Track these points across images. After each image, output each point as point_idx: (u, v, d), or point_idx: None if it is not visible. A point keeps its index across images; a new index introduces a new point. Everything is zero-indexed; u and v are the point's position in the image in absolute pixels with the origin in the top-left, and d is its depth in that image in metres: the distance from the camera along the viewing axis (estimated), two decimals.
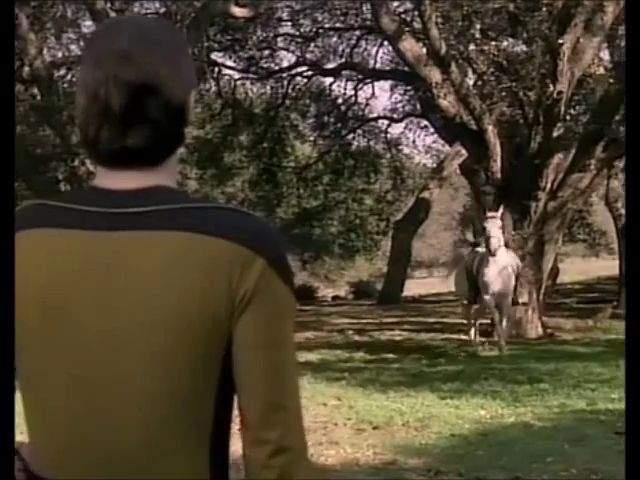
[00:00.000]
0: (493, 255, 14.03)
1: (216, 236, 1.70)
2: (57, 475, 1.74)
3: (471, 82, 18.09)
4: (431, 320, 20.25)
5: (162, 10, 21.49)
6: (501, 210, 14.61)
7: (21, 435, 1.85)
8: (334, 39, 26.66)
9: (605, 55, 19.67)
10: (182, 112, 1.79)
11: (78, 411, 1.72)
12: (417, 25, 20.02)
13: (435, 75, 15.87)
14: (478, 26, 16.02)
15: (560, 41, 14.48)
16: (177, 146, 1.81)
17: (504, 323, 14.62)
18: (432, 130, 28.01)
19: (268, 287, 1.71)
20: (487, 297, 14.36)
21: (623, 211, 22.95)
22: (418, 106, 27.61)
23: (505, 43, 17.47)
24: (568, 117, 16.59)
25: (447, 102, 16.05)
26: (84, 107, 1.76)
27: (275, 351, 1.72)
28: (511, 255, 14.71)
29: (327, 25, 25.98)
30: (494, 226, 14.08)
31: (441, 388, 10.90)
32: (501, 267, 14.21)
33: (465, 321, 16.07)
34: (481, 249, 14.78)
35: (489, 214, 14.28)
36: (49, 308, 1.71)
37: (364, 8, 23.97)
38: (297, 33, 26.18)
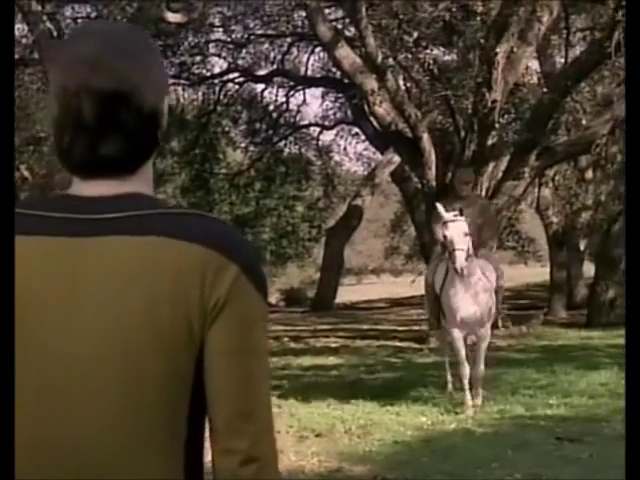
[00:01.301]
0: (460, 274, 9.93)
1: (189, 240, 1.69)
2: (19, 475, 1.71)
3: (404, 89, 18.18)
4: (365, 327, 20.34)
5: (94, 14, 21.22)
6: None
7: None
8: (265, 46, 26.65)
9: (534, 64, 19.95)
10: (155, 118, 1.79)
11: (43, 414, 1.70)
12: (348, 33, 20.13)
13: (371, 83, 15.91)
14: (416, 34, 16.10)
15: (496, 50, 14.64)
16: (151, 152, 1.81)
17: (478, 365, 10.37)
18: (363, 138, 28.17)
19: (241, 294, 1.70)
20: (455, 331, 10.29)
21: (554, 219, 23.29)
22: (349, 113, 27.73)
23: (439, 52, 17.62)
24: (501, 126, 16.76)
25: (382, 110, 16.09)
26: (56, 116, 1.75)
27: (246, 359, 1.72)
28: (485, 260, 10.62)
29: (258, 32, 25.94)
30: (458, 233, 9.91)
31: (380, 395, 10.92)
32: (472, 284, 10.13)
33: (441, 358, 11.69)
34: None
35: (449, 217, 10.09)
36: (17, 315, 1.70)
37: (295, 15, 24.01)
38: (229, 39, 26.09)
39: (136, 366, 1.68)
